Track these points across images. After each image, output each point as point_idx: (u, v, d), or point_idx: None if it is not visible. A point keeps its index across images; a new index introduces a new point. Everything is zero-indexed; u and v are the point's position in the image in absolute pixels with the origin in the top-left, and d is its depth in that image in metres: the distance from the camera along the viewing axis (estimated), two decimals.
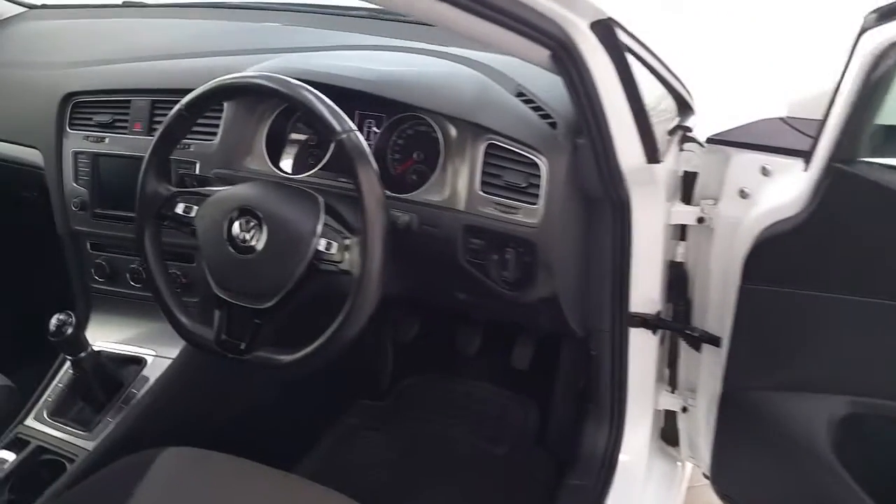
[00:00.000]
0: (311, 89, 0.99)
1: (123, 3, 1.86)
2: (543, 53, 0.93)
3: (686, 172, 1.22)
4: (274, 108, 1.29)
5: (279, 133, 1.31)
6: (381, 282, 0.97)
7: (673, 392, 1.40)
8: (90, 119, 1.43)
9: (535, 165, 1.08)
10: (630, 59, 0.98)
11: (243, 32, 1.57)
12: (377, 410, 1.85)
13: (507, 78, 1.20)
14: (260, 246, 1.01)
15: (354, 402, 1.87)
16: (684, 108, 1.25)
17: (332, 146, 1.24)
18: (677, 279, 1.27)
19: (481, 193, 1.12)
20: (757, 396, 1.15)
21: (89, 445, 1.28)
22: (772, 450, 1.17)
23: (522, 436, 1.74)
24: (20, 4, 1.82)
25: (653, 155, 1.07)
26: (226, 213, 1.03)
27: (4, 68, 1.61)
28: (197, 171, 1.29)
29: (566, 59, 0.94)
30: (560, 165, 1.06)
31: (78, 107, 1.44)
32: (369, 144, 1.06)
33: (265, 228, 1.01)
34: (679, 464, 1.54)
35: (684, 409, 1.39)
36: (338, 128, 0.97)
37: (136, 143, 1.37)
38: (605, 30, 0.94)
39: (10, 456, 1.28)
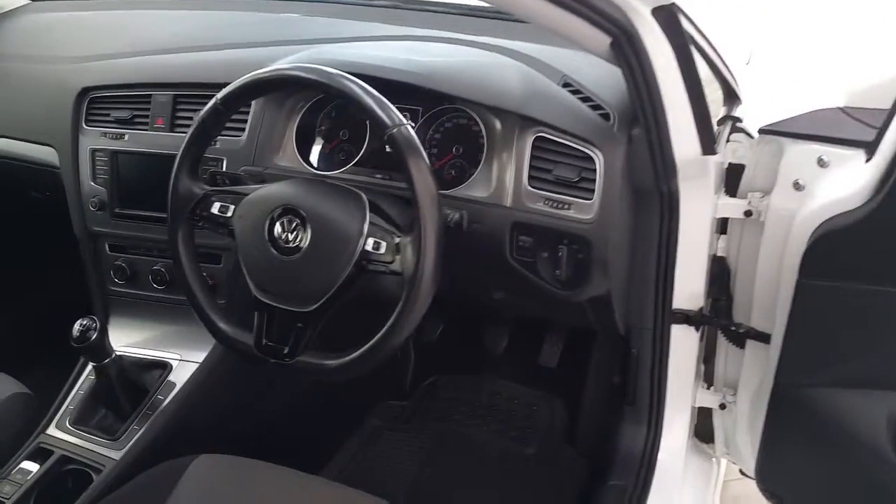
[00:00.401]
0: (358, 81, 0.94)
1: None
2: (604, 41, 0.89)
3: (731, 164, 1.18)
4: (304, 101, 1.24)
5: (308, 128, 1.26)
6: (435, 283, 0.92)
7: (708, 388, 1.36)
8: (108, 115, 1.37)
9: (589, 159, 1.04)
10: None
11: (262, 23, 1.51)
12: (400, 410, 1.81)
13: (551, 68, 1.16)
14: (304, 247, 0.96)
15: (377, 403, 1.83)
16: (731, 97, 1.21)
17: (367, 141, 1.21)
18: (720, 274, 1.23)
19: (530, 188, 1.08)
20: (812, 393, 1.11)
21: (116, 455, 1.23)
22: (826, 447, 1.14)
23: (551, 435, 1.71)
24: None
25: (709, 146, 1.03)
26: (266, 212, 0.98)
27: (12, 62, 1.54)
28: (224, 169, 1.24)
29: (627, 47, 0.90)
30: (616, 159, 1.02)
31: (94, 102, 1.38)
32: None
33: (309, 228, 0.96)
34: (713, 460, 1.51)
35: (722, 406, 1.36)
36: (388, 121, 0.92)
37: (158, 140, 1.32)
38: (667, 16, 0.90)
39: (33, 466, 1.23)
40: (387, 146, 1.18)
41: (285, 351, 0.99)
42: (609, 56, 0.93)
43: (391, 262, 0.94)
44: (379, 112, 0.92)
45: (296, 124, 1.24)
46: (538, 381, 1.82)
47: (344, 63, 1.10)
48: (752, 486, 1.82)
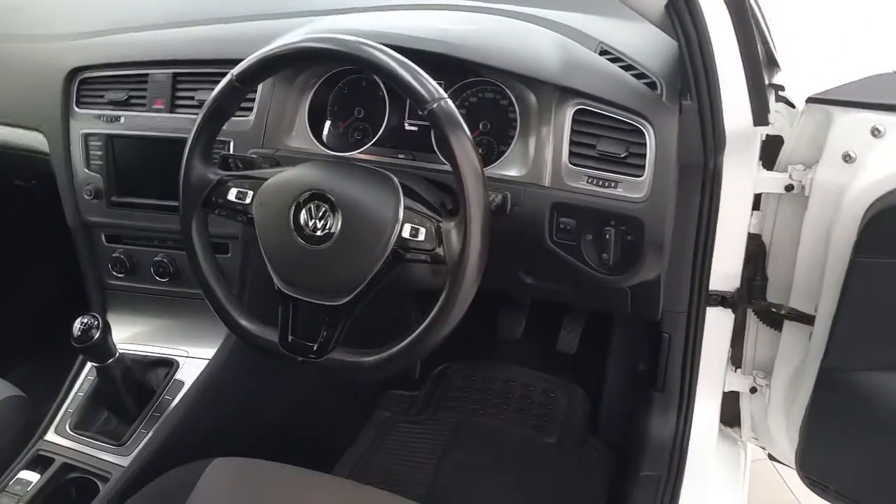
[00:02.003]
0: (391, 52, 0.86)
1: None
2: (660, 1, 0.82)
3: (768, 136, 1.11)
4: (317, 77, 1.16)
5: (319, 107, 1.17)
6: (481, 271, 0.85)
7: (736, 371, 1.31)
8: (101, 96, 1.27)
9: (637, 132, 0.96)
10: None
11: None
12: (412, 401, 1.74)
13: (585, 35, 1.08)
14: (333, 235, 0.88)
15: (386, 393, 1.76)
16: (771, 63, 1.14)
17: (386, 119, 1.13)
18: (755, 253, 1.18)
19: (571, 166, 1.00)
20: (863, 377, 1.06)
21: (123, 461, 1.15)
22: (879, 433, 1.09)
23: (571, 423, 1.65)
24: None
25: (763, 116, 0.96)
26: (291, 198, 0.90)
27: None
28: (231, 151, 1.15)
29: (683, 9, 0.83)
30: (669, 131, 0.95)
31: (86, 83, 1.29)
32: None
33: (339, 215, 0.88)
34: (740, 444, 1.46)
35: (753, 390, 1.31)
36: (427, 95, 0.84)
37: (157, 122, 1.23)
38: None
39: (32, 476, 1.14)
40: (407, 123, 1.14)
41: (314, 348, 0.92)
42: (661, 20, 0.86)
43: (432, 250, 0.86)
44: (416, 85, 0.84)
45: (308, 102, 1.16)
46: (553, 366, 1.76)
47: (363, 33, 1.01)
48: (775, 468, 1.80)
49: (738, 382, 1.31)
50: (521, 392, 1.73)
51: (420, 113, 0.85)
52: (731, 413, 1.37)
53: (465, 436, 1.63)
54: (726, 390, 1.32)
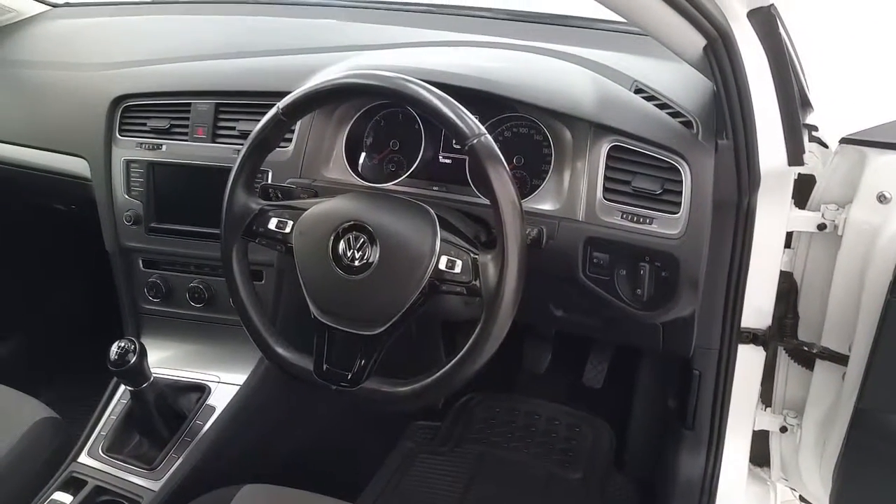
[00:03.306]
0: (433, 88, 0.88)
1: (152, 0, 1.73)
2: (699, 44, 0.84)
3: (800, 175, 1.12)
4: (356, 110, 1.18)
5: (355, 138, 1.20)
6: (517, 304, 0.86)
7: (766, 410, 1.30)
8: (143, 124, 1.30)
9: (673, 169, 0.97)
10: None
11: (302, 29, 1.45)
12: (435, 432, 1.74)
13: (620, 73, 1.10)
14: (371, 265, 0.90)
15: (409, 424, 1.76)
16: (805, 103, 1.15)
17: (421, 152, 1.15)
18: (787, 291, 1.17)
19: (605, 201, 1.02)
20: None
21: (154, 485, 1.16)
22: None
23: (597, 459, 1.64)
24: (42, 3, 1.69)
25: (798, 156, 0.97)
26: (331, 229, 0.91)
27: (39, 70, 1.48)
28: (269, 181, 1.17)
29: (722, 51, 0.84)
30: (705, 170, 0.96)
31: (129, 111, 1.32)
32: None
33: (378, 246, 0.89)
34: (769, 485, 1.44)
35: (783, 429, 1.29)
36: (467, 131, 0.86)
37: (198, 151, 1.25)
38: (764, 19, 0.84)
39: (66, 498, 1.15)
40: (441, 156, 1.15)
41: (348, 377, 0.93)
42: (699, 61, 0.87)
43: (468, 282, 0.87)
44: (458, 122, 0.86)
45: (345, 134, 1.18)
46: (578, 401, 1.75)
47: (404, 69, 1.03)
48: None
49: (768, 421, 1.29)
50: (545, 426, 1.72)
51: (460, 148, 0.86)
52: (760, 452, 1.35)
53: (488, 469, 1.62)
54: (756, 429, 1.31)
